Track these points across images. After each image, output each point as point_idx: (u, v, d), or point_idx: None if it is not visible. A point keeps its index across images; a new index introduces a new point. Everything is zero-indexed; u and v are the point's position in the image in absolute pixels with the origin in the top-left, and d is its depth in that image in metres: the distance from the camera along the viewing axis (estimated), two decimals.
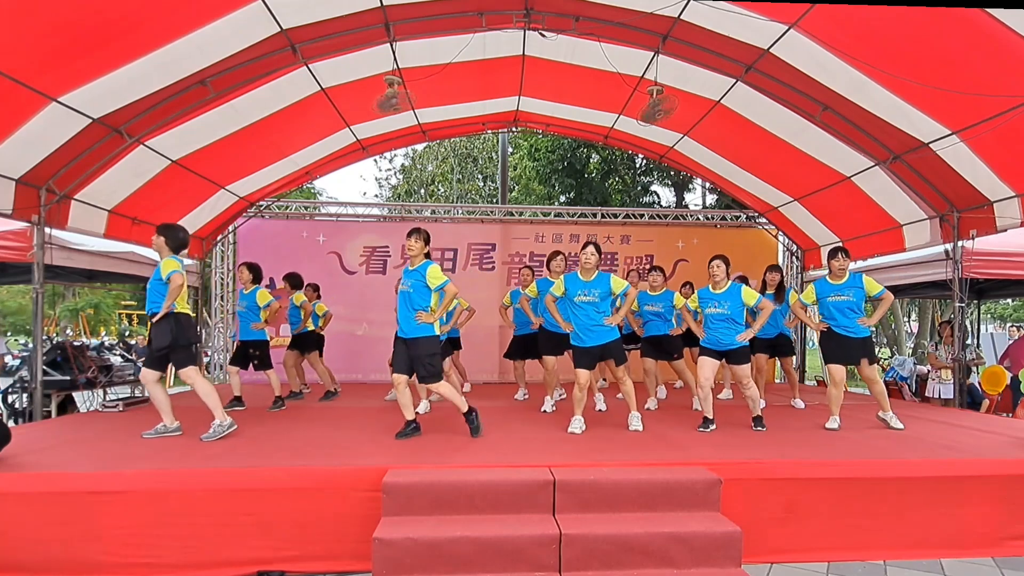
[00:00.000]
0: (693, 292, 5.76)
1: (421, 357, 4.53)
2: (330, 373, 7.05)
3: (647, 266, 8.93)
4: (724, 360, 5.14)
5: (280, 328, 6.86)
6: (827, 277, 5.26)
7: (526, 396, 7.00)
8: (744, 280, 6.11)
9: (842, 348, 5.16)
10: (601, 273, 4.88)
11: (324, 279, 8.06)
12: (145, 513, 3.41)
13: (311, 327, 6.79)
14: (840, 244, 6.30)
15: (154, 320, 4.54)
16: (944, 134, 5.67)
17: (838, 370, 5.19)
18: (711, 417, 5.01)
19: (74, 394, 6.96)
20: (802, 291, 5.32)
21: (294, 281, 6.80)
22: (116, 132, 5.70)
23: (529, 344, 6.31)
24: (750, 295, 5.07)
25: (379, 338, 9.01)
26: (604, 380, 7.25)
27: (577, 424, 4.88)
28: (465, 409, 4.67)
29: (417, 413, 4.83)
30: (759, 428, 5.01)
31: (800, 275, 9.62)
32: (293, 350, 6.75)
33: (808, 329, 10.01)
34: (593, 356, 4.88)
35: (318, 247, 9.36)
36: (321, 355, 7.19)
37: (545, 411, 5.96)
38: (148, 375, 4.63)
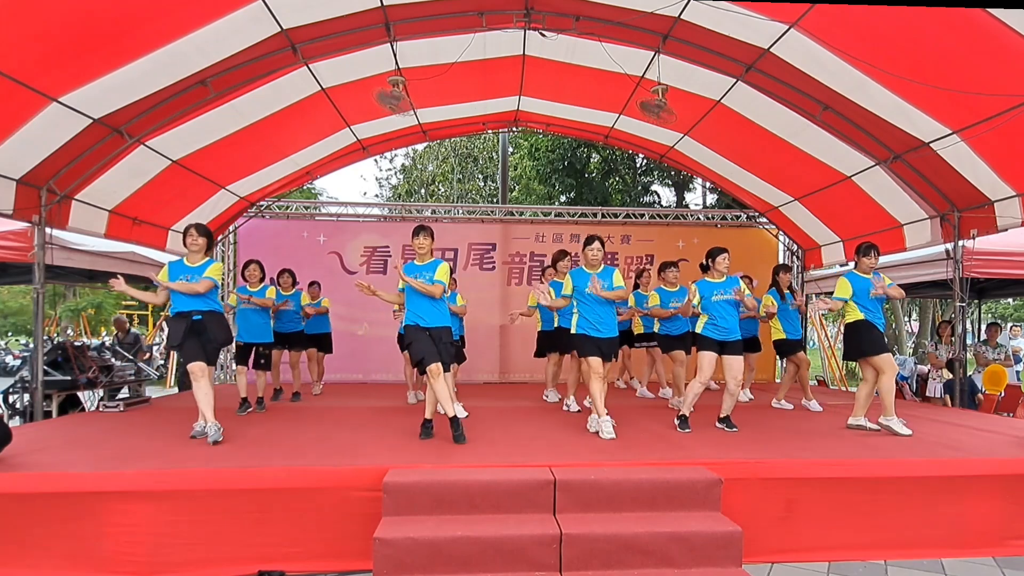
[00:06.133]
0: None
1: (446, 344, 4.59)
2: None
3: (647, 266, 8.92)
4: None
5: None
6: (856, 271, 5.13)
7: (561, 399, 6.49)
8: (749, 280, 6.14)
9: (882, 337, 5.03)
10: (606, 267, 4.91)
11: (325, 279, 8.05)
12: (146, 513, 3.41)
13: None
14: (871, 242, 5.43)
15: (201, 315, 4.49)
16: (944, 133, 5.66)
17: (888, 360, 4.93)
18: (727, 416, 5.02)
19: (78, 394, 6.96)
20: (836, 288, 5.15)
21: (295, 279, 6.75)
22: (116, 132, 5.71)
23: (554, 338, 6.31)
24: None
25: (380, 338, 9.03)
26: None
27: (607, 426, 4.61)
28: (430, 416, 4.67)
29: (439, 414, 4.73)
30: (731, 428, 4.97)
31: (800, 275, 9.61)
32: (311, 348, 6.96)
33: (808, 329, 10.01)
34: (612, 345, 4.85)
35: (319, 247, 9.37)
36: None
37: (569, 408, 5.94)
38: (206, 369, 4.43)
